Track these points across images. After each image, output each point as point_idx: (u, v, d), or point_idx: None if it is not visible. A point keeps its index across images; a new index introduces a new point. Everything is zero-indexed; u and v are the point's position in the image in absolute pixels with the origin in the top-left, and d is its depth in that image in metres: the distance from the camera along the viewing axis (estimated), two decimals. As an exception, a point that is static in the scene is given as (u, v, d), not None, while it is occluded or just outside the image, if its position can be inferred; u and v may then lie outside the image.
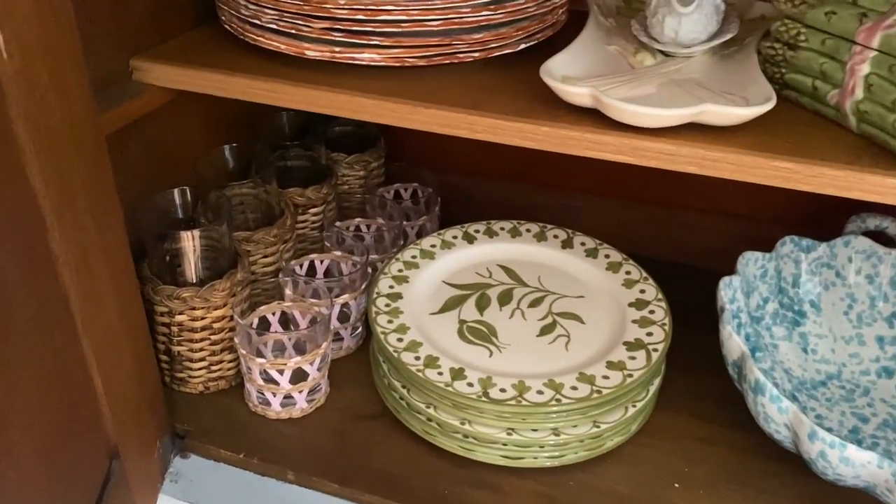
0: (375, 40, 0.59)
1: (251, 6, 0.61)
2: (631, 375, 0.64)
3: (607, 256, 0.78)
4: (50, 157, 0.48)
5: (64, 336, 0.51)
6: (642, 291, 0.74)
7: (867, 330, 0.76)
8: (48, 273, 0.49)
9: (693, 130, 0.54)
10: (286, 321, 0.75)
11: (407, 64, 0.60)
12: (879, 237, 0.78)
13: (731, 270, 0.74)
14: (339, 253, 0.80)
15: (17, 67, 0.44)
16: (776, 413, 0.60)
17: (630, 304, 0.72)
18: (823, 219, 0.83)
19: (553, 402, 0.62)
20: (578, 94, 0.55)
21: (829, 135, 0.55)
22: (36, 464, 0.51)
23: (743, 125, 0.54)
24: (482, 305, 0.74)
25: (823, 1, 0.55)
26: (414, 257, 0.78)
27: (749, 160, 0.53)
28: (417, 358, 0.66)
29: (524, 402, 0.61)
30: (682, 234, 0.92)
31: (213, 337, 0.70)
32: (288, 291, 0.74)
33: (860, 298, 0.77)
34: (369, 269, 0.79)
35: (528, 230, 0.83)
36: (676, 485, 0.66)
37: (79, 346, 0.52)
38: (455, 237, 0.81)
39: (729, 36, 0.63)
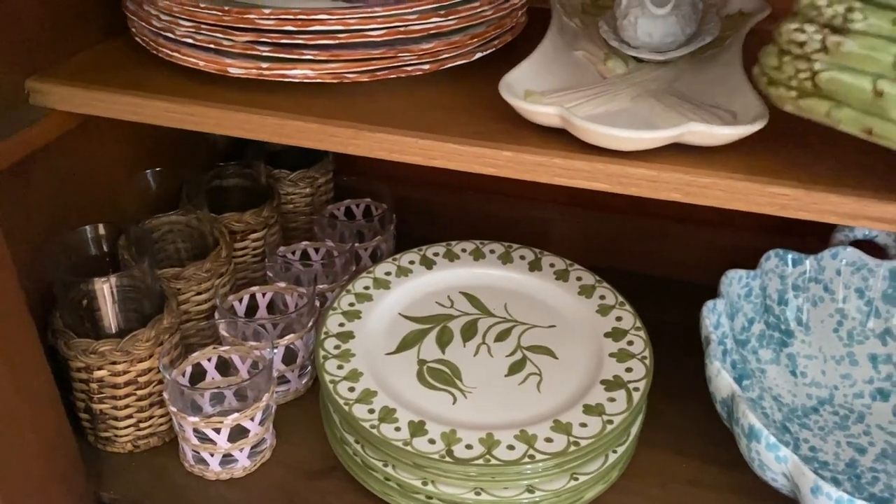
0: (309, 54, 0.51)
1: (163, 17, 0.53)
2: (611, 422, 0.57)
3: (579, 279, 0.71)
4: None
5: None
6: (619, 319, 0.67)
7: (859, 348, 0.71)
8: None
9: (676, 151, 0.47)
10: (225, 364, 0.67)
11: (347, 80, 0.52)
12: (869, 247, 0.72)
13: (712, 282, 0.68)
14: (282, 284, 0.72)
15: None
16: (773, 462, 0.54)
17: (606, 335, 0.65)
18: (808, 224, 0.78)
19: (526, 459, 0.54)
20: (544, 114, 0.47)
21: (826, 152, 0.48)
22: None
23: (729, 144, 0.47)
24: (444, 341, 0.66)
25: None
26: (367, 288, 0.71)
27: (741, 186, 0.46)
28: (371, 411, 0.58)
29: (493, 461, 0.54)
30: (658, 245, 0.86)
31: (139, 392, 0.62)
32: (224, 333, 0.66)
33: (850, 315, 0.71)
34: (317, 302, 0.71)
35: (492, 251, 0.75)
36: (664, 536, 0.59)
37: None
38: (412, 262, 0.74)
39: (710, 38, 0.56)
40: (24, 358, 0.50)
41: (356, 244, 0.80)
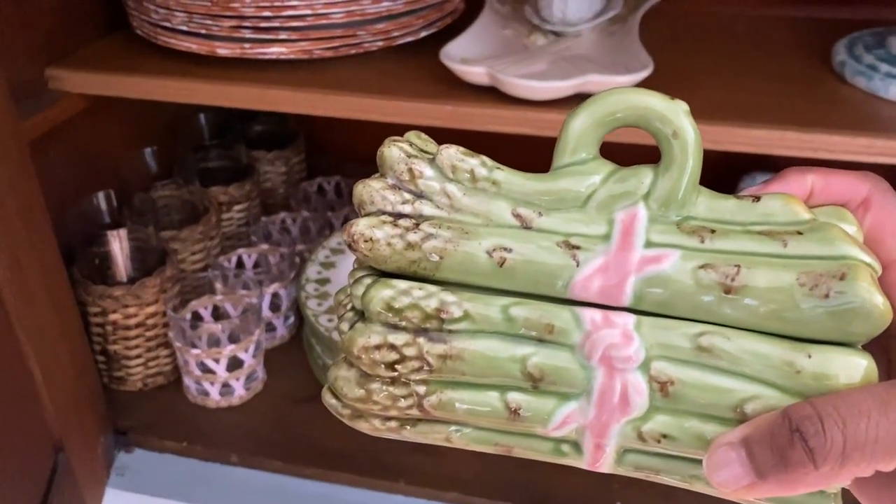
0: (283, 35, 0.62)
1: (161, 10, 0.64)
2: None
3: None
4: (-26, 161, 0.50)
5: (1, 332, 0.53)
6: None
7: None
8: (-20, 272, 0.51)
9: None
10: (219, 316, 0.77)
11: (315, 56, 0.63)
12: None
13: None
14: (265, 246, 0.83)
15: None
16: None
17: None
18: (722, 178, 0.90)
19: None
20: (476, 73, 0.59)
21: (707, 92, 0.60)
22: (-19, 459, 0.53)
23: (627, 92, 0.59)
24: (407, 283, 0.77)
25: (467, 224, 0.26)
26: (339, 244, 0.82)
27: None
28: (348, 335, 0.69)
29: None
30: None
31: (147, 333, 0.72)
32: (218, 285, 0.76)
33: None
34: (297, 259, 0.82)
35: (446, 211, 0.87)
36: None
37: (16, 342, 0.54)
38: (378, 223, 0.85)
39: (612, 13, 0.68)
40: (60, 295, 0.61)
41: (329, 213, 0.91)
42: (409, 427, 0.27)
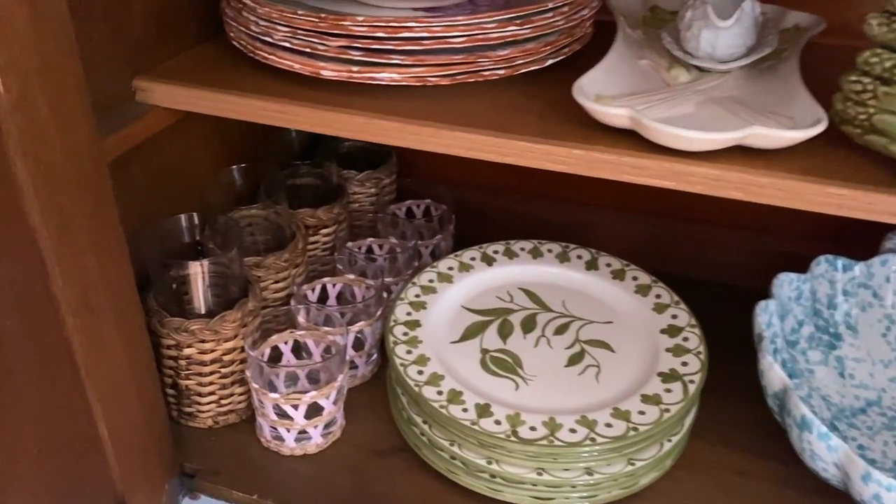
0: (396, 59, 0.55)
1: (262, 23, 0.58)
2: (668, 410, 0.60)
3: (635, 279, 0.75)
4: (50, 194, 0.44)
5: (66, 385, 0.47)
6: (674, 317, 0.70)
7: (907, 353, 0.73)
8: (49, 319, 0.45)
9: (737, 153, 0.51)
10: (298, 348, 0.71)
11: (429, 83, 0.56)
12: (918, 255, 0.74)
13: (757, 287, 0.70)
14: (352, 276, 0.76)
15: (15, 100, 0.40)
16: (825, 451, 0.57)
17: (662, 331, 0.69)
18: (853, 234, 0.80)
19: (587, 442, 0.58)
20: (616, 116, 0.51)
21: (879, 157, 0.51)
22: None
23: (789, 147, 0.50)
24: (505, 333, 0.70)
25: None
26: (431, 281, 0.75)
27: (800, 186, 0.49)
28: (440, 392, 0.62)
29: (556, 442, 0.58)
30: (704, 250, 0.89)
31: (223, 370, 0.66)
32: (300, 319, 0.70)
33: (899, 320, 0.73)
34: (384, 293, 0.75)
35: (549, 250, 0.79)
36: (714, 523, 0.62)
37: (83, 395, 0.49)
38: (473, 259, 0.78)
39: (769, 50, 0.60)
40: (132, 337, 0.55)
41: (418, 242, 0.84)
42: (864, 136, 0.49)
